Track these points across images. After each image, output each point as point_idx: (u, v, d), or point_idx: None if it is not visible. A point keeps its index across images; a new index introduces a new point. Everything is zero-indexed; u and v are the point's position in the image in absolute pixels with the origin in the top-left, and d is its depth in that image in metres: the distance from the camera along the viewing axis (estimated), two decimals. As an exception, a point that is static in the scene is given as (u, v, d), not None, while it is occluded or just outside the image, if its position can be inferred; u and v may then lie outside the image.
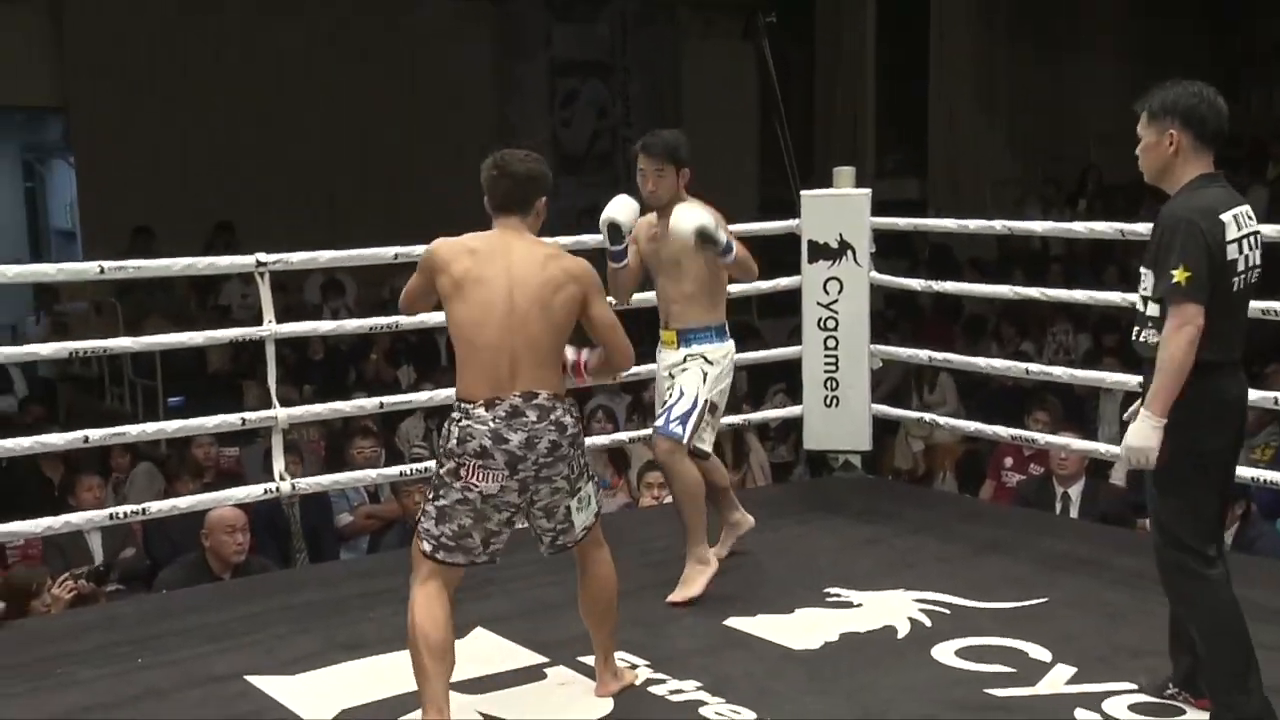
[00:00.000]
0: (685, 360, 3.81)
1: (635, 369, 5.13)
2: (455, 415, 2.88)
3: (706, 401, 3.78)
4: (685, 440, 3.73)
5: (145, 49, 10.09)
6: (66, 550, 5.16)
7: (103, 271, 4.05)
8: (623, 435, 5.69)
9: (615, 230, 3.66)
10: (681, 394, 3.76)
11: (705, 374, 3.78)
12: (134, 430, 4.20)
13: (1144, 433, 2.74)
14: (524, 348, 2.87)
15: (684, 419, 3.72)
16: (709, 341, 3.82)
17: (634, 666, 3.33)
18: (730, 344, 3.88)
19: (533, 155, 3.03)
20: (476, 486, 2.84)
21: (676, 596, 3.73)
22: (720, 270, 3.83)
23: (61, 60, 9.97)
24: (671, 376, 3.83)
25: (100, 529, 5.18)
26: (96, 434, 4.03)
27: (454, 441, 2.85)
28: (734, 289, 5.19)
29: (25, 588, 4.24)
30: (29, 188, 11.82)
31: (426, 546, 2.89)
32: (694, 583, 3.76)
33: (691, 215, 3.65)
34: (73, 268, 4.43)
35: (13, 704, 3.21)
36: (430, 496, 2.92)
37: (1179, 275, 2.68)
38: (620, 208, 3.64)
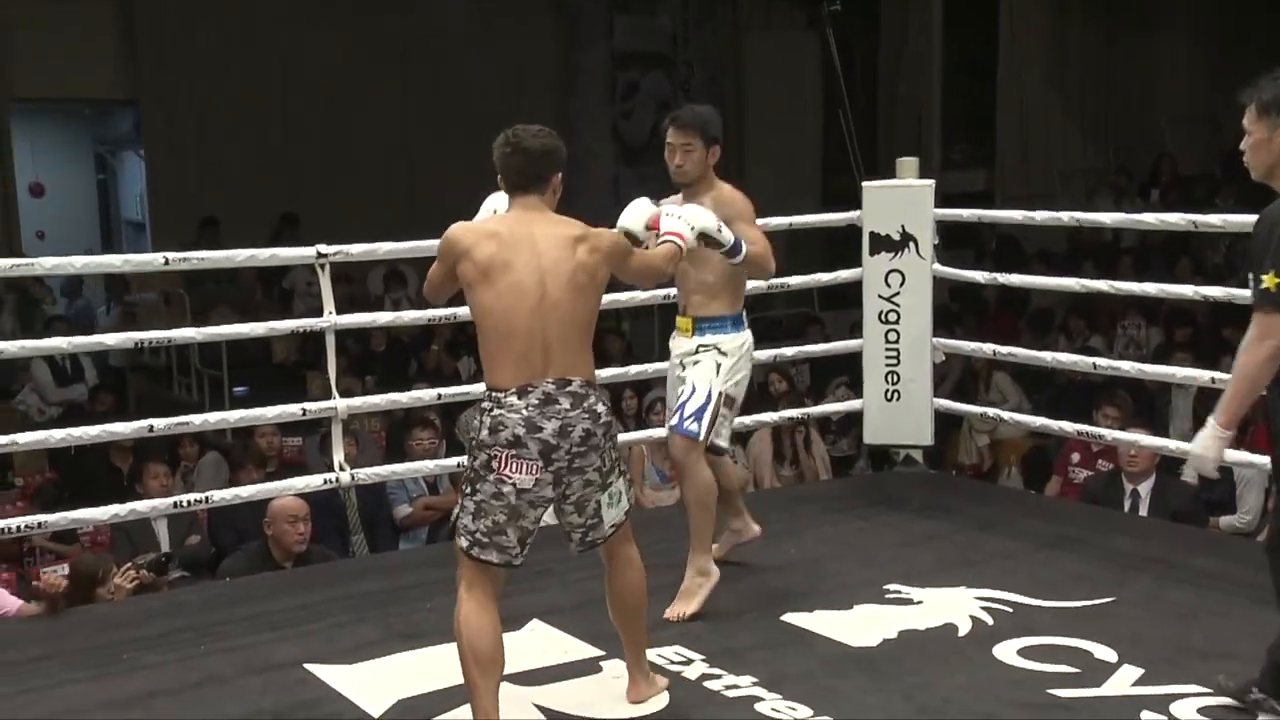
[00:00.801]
0: (698, 351, 3.66)
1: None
2: (485, 405, 2.81)
3: (721, 394, 3.62)
4: (702, 437, 3.58)
5: (214, 43, 10.27)
6: (134, 537, 5.27)
7: (167, 263, 4.11)
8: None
9: (630, 238, 3.33)
10: (694, 389, 3.61)
11: (718, 365, 3.64)
12: (197, 419, 4.27)
13: (1205, 441, 2.65)
14: (556, 334, 2.80)
15: (698, 414, 3.58)
16: (724, 332, 3.67)
17: (689, 661, 3.31)
18: (746, 334, 3.72)
19: (546, 130, 2.93)
20: (510, 479, 2.75)
21: (673, 612, 3.56)
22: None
23: (133, 54, 10.18)
24: (683, 366, 3.69)
25: (166, 517, 5.28)
26: (161, 423, 4.10)
27: (485, 432, 2.78)
28: (795, 280, 5.22)
29: (92, 574, 4.33)
30: (100, 180, 12.09)
31: (464, 542, 2.82)
32: (694, 596, 3.60)
33: (697, 215, 3.40)
34: (138, 259, 4.52)
35: (79, 688, 3.28)
36: (466, 491, 2.83)
37: (1269, 281, 2.54)
38: (633, 215, 3.38)
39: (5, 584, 4.88)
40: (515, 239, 2.84)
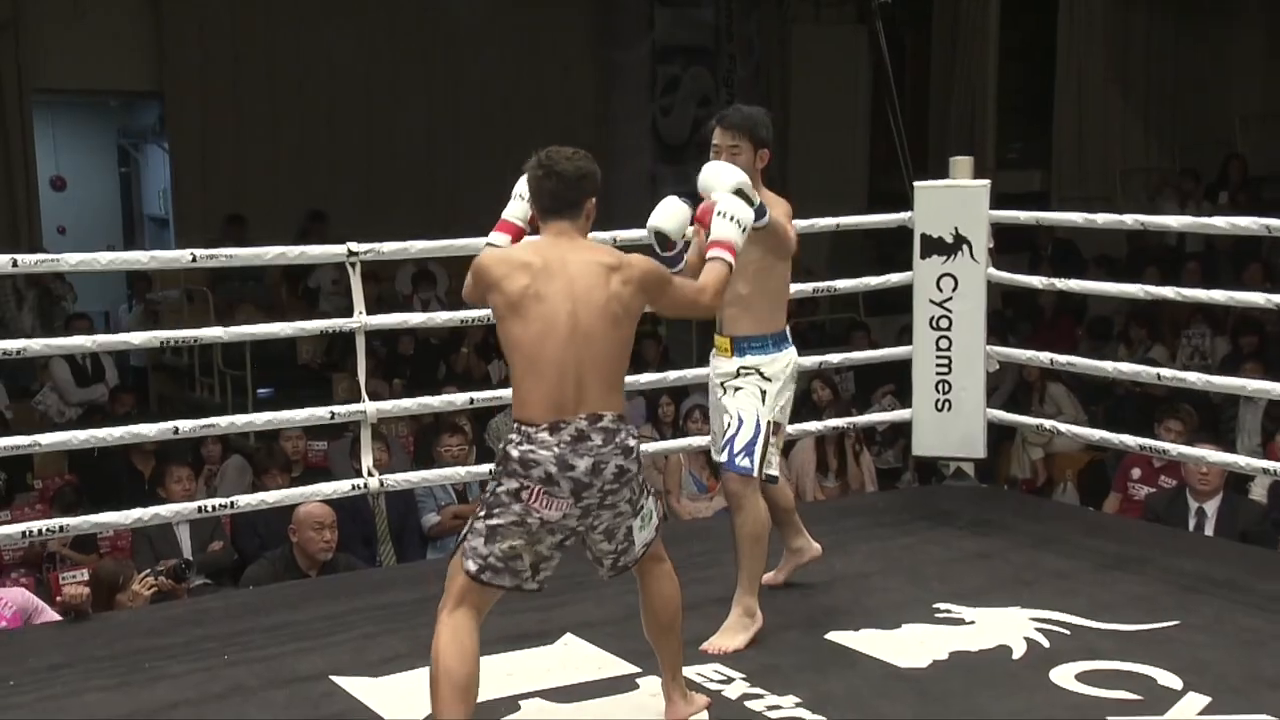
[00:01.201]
0: (739, 374, 3.55)
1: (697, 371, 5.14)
2: (514, 438, 2.81)
3: (769, 424, 3.53)
4: (756, 472, 3.49)
5: (241, 35, 10.37)
6: (156, 543, 5.34)
7: (195, 260, 4.17)
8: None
9: (661, 238, 3.31)
10: (741, 421, 3.51)
11: (763, 393, 3.52)
12: (223, 422, 4.32)
13: None
14: (589, 368, 2.80)
15: (749, 450, 3.49)
16: (765, 352, 3.54)
17: (730, 679, 3.31)
18: (790, 353, 3.60)
19: (581, 153, 2.92)
20: (538, 513, 2.77)
21: (712, 645, 3.46)
22: (783, 272, 3.59)
23: (158, 46, 10.28)
24: (724, 389, 3.58)
25: (189, 522, 5.34)
26: (187, 425, 4.14)
27: (516, 464, 2.78)
28: (842, 284, 5.21)
29: (112, 581, 4.39)
30: (123, 173, 12.22)
31: (472, 566, 2.80)
32: (735, 635, 3.49)
33: (722, 171, 3.31)
34: (166, 255, 4.57)
35: (101, 696, 3.32)
36: (482, 514, 2.82)
37: None
38: (665, 214, 3.29)
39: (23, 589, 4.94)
40: (548, 270, 2.83)
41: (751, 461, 3.49)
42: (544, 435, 2.78)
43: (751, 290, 3.53)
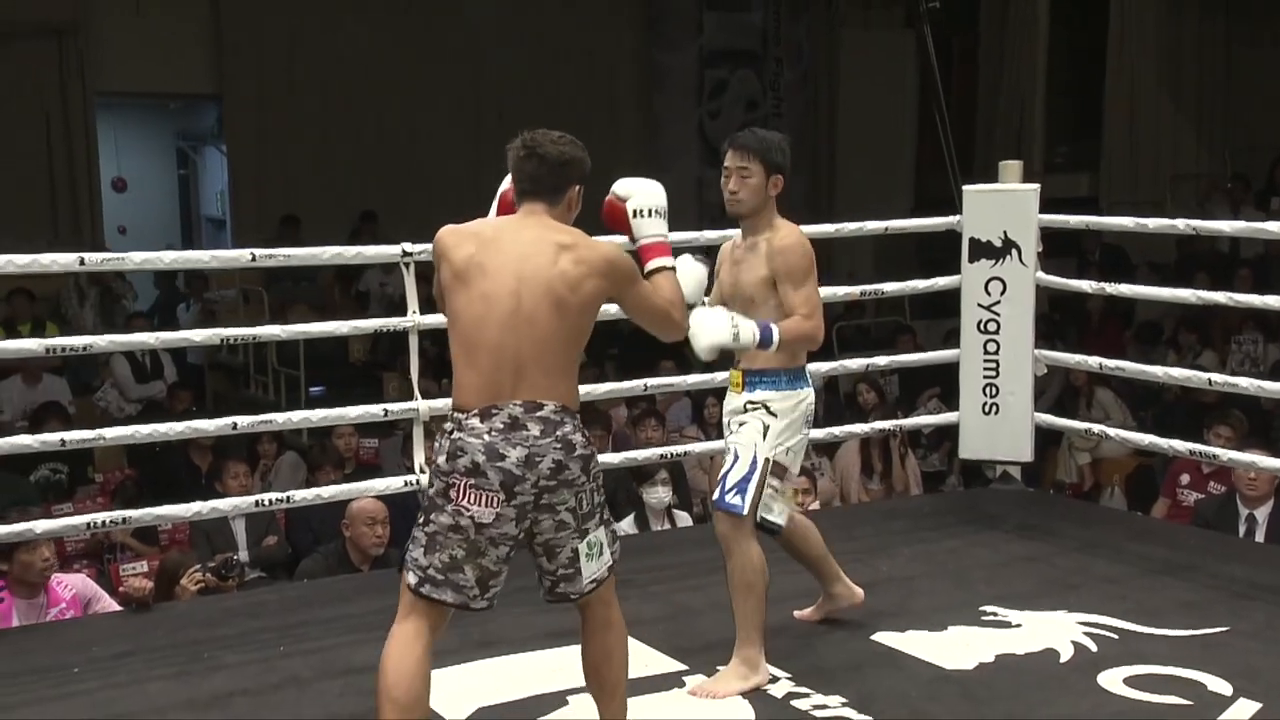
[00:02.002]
0: (745, 409, 3.29)
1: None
2: (447, 427, 2.60)
3: (767, 461, 3.25)
4: (746, 511, 3.22)
5: (296, 39, 10.50)
6: (212, 536, 5.41)
7: (254, 259, 4.22)
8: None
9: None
10: (737, 457, 3.26)
11: (766, 428, 3.25)
12: (280, 418, 4.36)
13: None
14: (530, 352, 2.57)
15: (741, 487, 3.22)
16: (776, 388, 3.27)
17: (775, 679, 3.31)
18: (805, 393, 3.31)
19: (568, 138, 2.73)
20: (468, 511, 2.54)
21: (700, 690, 3.24)
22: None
23: (217, 49, 10.43)
24: (729, 428, 3.35)
25: (244, 516, 5.40)
26: (245, 420, 4.20)
27: (444, 457, 2.57)
28: (889, 287, 5.18)
29: (175, 572, 4.47)
30: (182, 175, 12.39)
31: (412, 579, 2.60)
32: (727, 683, 3.23)
33: (707, 330, 3.07)
34: (226, 255, 4.63)
35: (161, 685, 3.37)
36: (420, 521, 2.62)
37: None
38: (683, 279, 2.94)
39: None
40: (499, 242, 2.64)
41: (742, 500, 3.22)
42: (474, 422, 2.56)
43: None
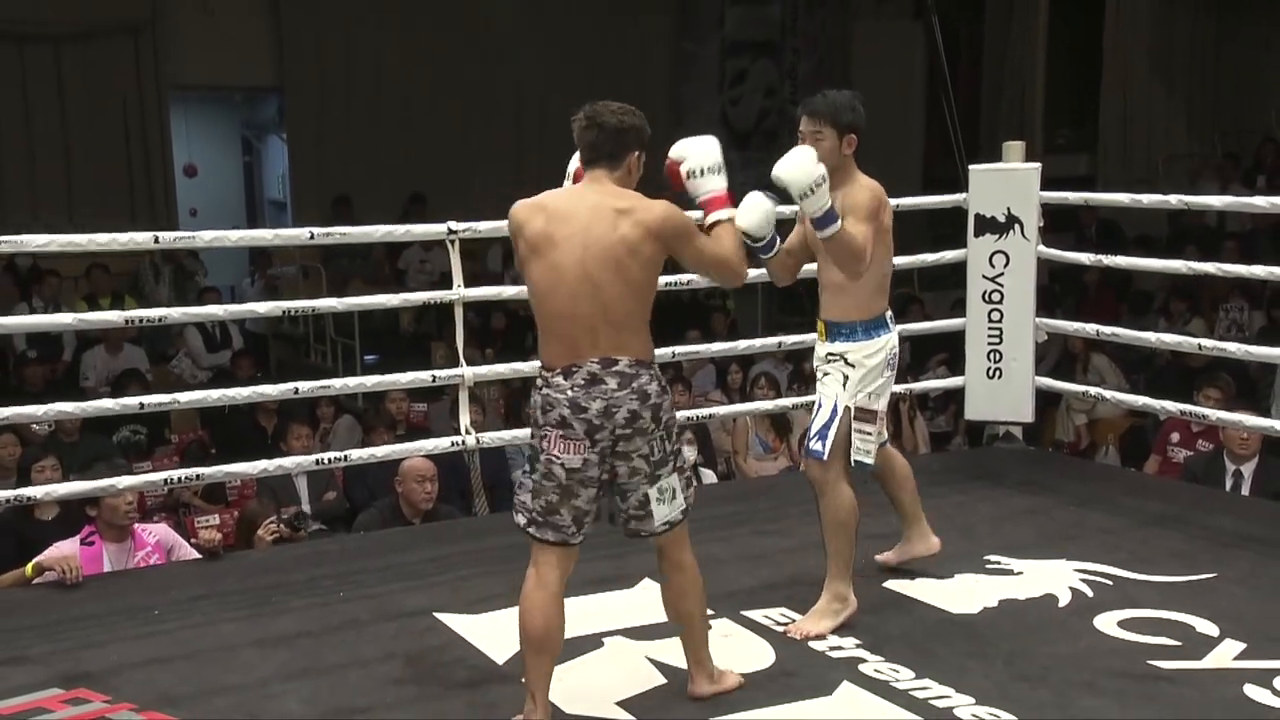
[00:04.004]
0: (827, 359, 3.30)
1: (798, 337, 5.10)
2: (538, 383, 2.69)
3: (848, 409, 3.25)
4: (826, 456, 3.23)
5: (351, 33, 10.48)
6: (278, 492, 5.45)
7: (312, 237, 4.23)
8: (785, 401, 5.64)
9: (747, 239, 3.06)
10: (820, 405, 3.28)
11: (845, 378, 3.25)
12: (337, 383, 4.38)
13: None
14: (599, 314, 2.62)
15: (822, 434, 3.24)
16: (853, 339, 3.25)
17: (794, 621, 3.30)
18: (883, 339, 3.27)
19: (627, 108, 2.71)
20: (558, 459, 2.63)
21: (797, 630, 3.24)
22: (879, 256, 3.22)
23: (278, 45, 10.43)
24: (819, 375, 3.36)
25: (306, 473, 5.44)
26: (306, 386, 4.22)
27: (538, 411, 2.67)
28: (900, 260, 5.08)
29: (254, 521, 4.51)
30: (246, 162, 12.42)
31: (521, 520, 2.72)
32: (820, 619, 3.25)
33: (790, 164, 3.02)
34: (287, 233, 4.63)
35: (233, 626, 3.42)
36: (527, 469, 2.75)
37: None
38: (748, 213, 3.05)
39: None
40: (564, 214, 2.66)
41: (823, 445, 3.23)
42: (559, 380, 2.64)
43: (844, 278, 3.22)
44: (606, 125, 2.69)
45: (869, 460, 3.33)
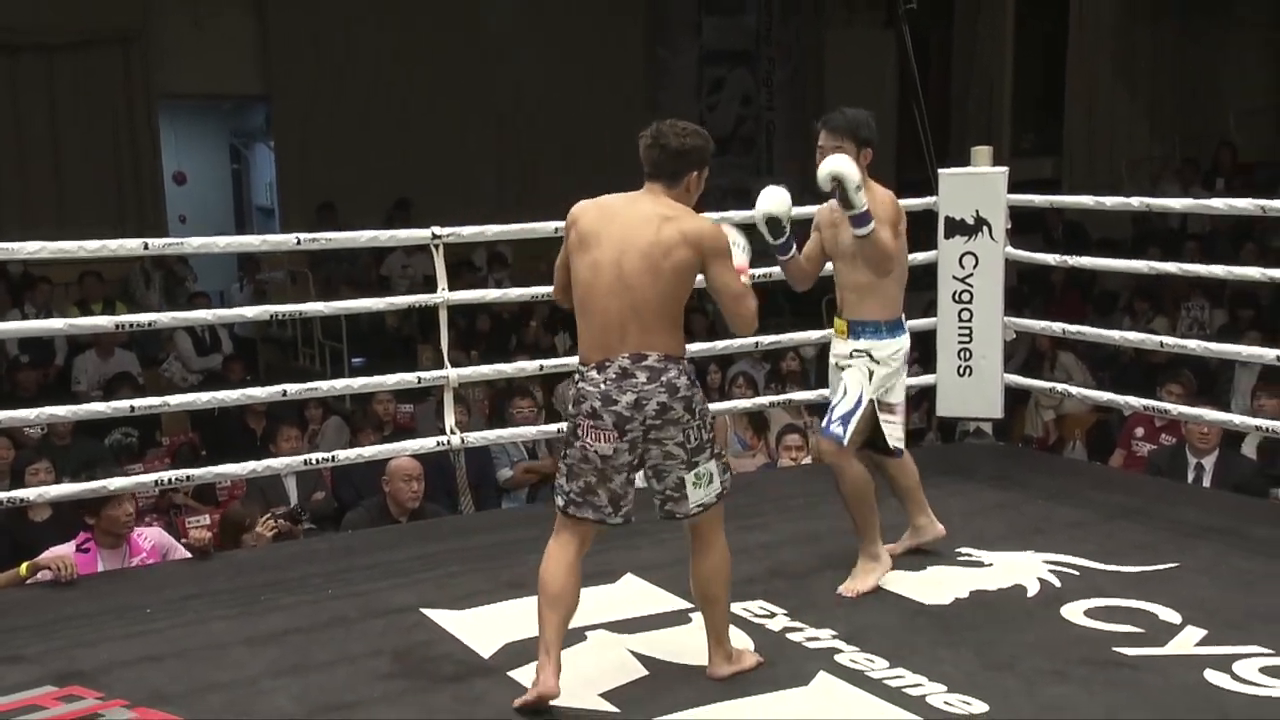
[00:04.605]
0: (851, 355, 3.45)
1: (775, 337, 5.13)
2: (575, 378, 2.81)
3: (873, 402, 3.42)
4: (846, 442, 3.40)
5: (337, 44, 10.45)
6: (267, 492, 5.42)
7: (299, 243, 4.21)
8: (763, 400, 5.66)
9: (774, 224, 3.26)
10: (845, 393, 3.43)
11: (871, 373, 3.42)
12: (325, 385, 4.36)
13: None
14: (631, 311, 2.71)
15: (845, 420, 3.40)
16: (878, 338, 3.43)
17: (773, 614, 3.31)
18: (902, 340, 3.46)
19: (691, 129, 2.81)
20: (591, 447, 2.75)
21: (846, 588, 3.43)
22: (901, 261, 3.44)
23: (265, 55, 10.40)
24: (839, 369, 3.50)
25: (295, 474, 5.42)
26: (294, 388, 4.20)
27: (572, 403, 2.80)
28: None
29: (239, 522, 4.48)
30: (234, 169, 12.36)
31: (559, 501, 2.83)
32: (865, 578, 3.46)
33: (836, 163, 3.23)
34: (274, 239, 4.63)
35: (224, 624, 3.40)
36: (562, 454, 2.86)
37: None
38: (771, 201, 3.24)
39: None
40: (613, 214, 2.77)
41: (844, 430, 3.40)
42: (592, 374, 2.75)
43: (867, 278, 3.41)
44: (669, 147, 2.78)
45: (902, 445, 3.54)
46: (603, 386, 2.72)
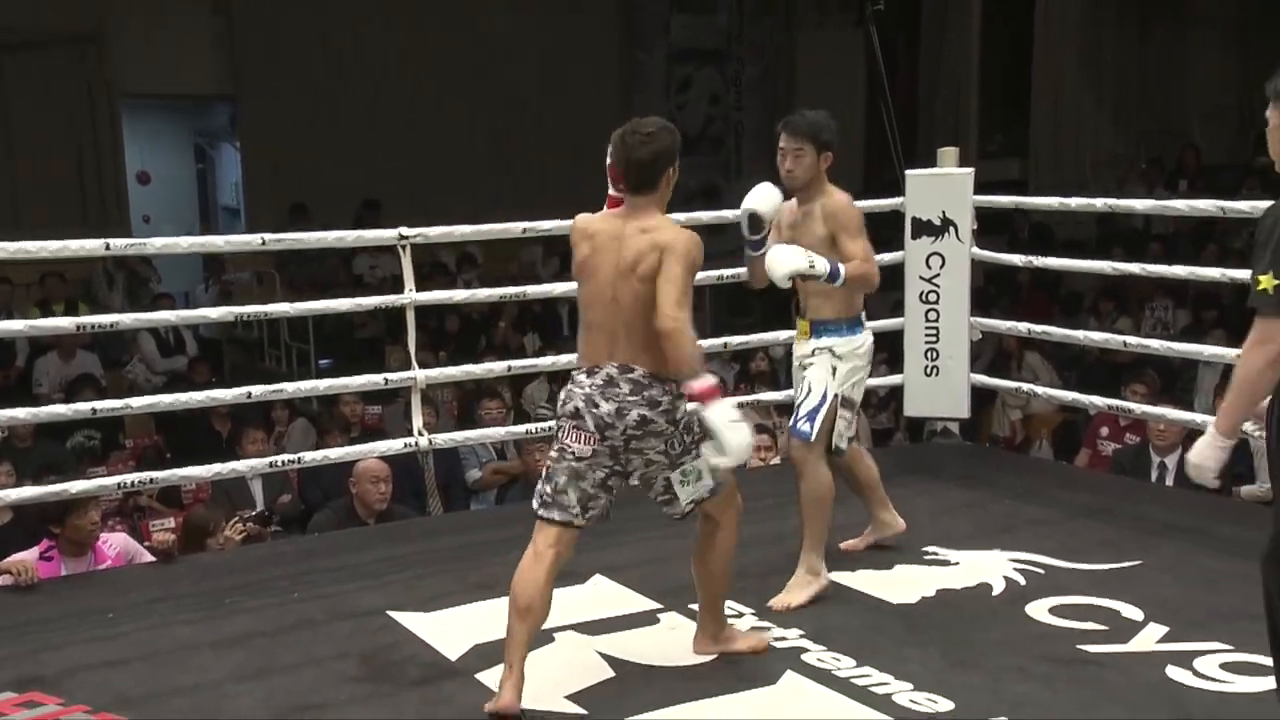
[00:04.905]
0: (814, 354, 3.50)
1: (744, 338, 5.16)
2: (569, 383, 2.92)
3: (836, 396, 3.46)
4: (814, 438, 3.43)
5: (303, 41, 10.39)
6: (232, 495, 5.39)
7: (264, 243, 4.19)
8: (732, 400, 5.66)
9: (755, 220, 3.32)
10: (809, 390, 3.47)
11: (834, 369, 3.47)
12: (290, 387, 4.34)
13: (1204, 451, 2.43)
14: (621, 326, 2.83)
15: (811, 416, 3.43)
16: (839, 335, 3.49)
17: (740, 615, 3.33)
18: (865, 336, 3.54)
19: (655, 130, 2.84)
20: (569, 447, 2.82)
21: (777, 603, 3.39)
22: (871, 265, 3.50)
23: (230, 53, 10.32)
24: (802, 369, 3.54)
25: (261, 476, 5.38)
26: (259, 390, 4.17)
27: (559, 404, 2.90)
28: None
29: (203, 526, 4.45)
30: (200, 169, 12.27)
31: (535, 503, 2.90)
32: (799, 591, 3.42)
33: (784, 259, 3.30)
34: (239, 239, 4.59)
35: (190, 628, 3.38)
36: (550, 458, 2.92)
37: (1265, 282, 2.23)
38: (761, 197, 3.30)
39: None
40: (606, 242, 2.86)
41: (811, 427, 3.42)
42: (581, 378, 2.86)
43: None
44: (642, 162, 2.85)
45: (845, 445, 3.54)
46: (588, 390, 2.83)
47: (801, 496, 3.46)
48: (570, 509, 2.84)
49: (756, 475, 5.16)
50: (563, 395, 2.89)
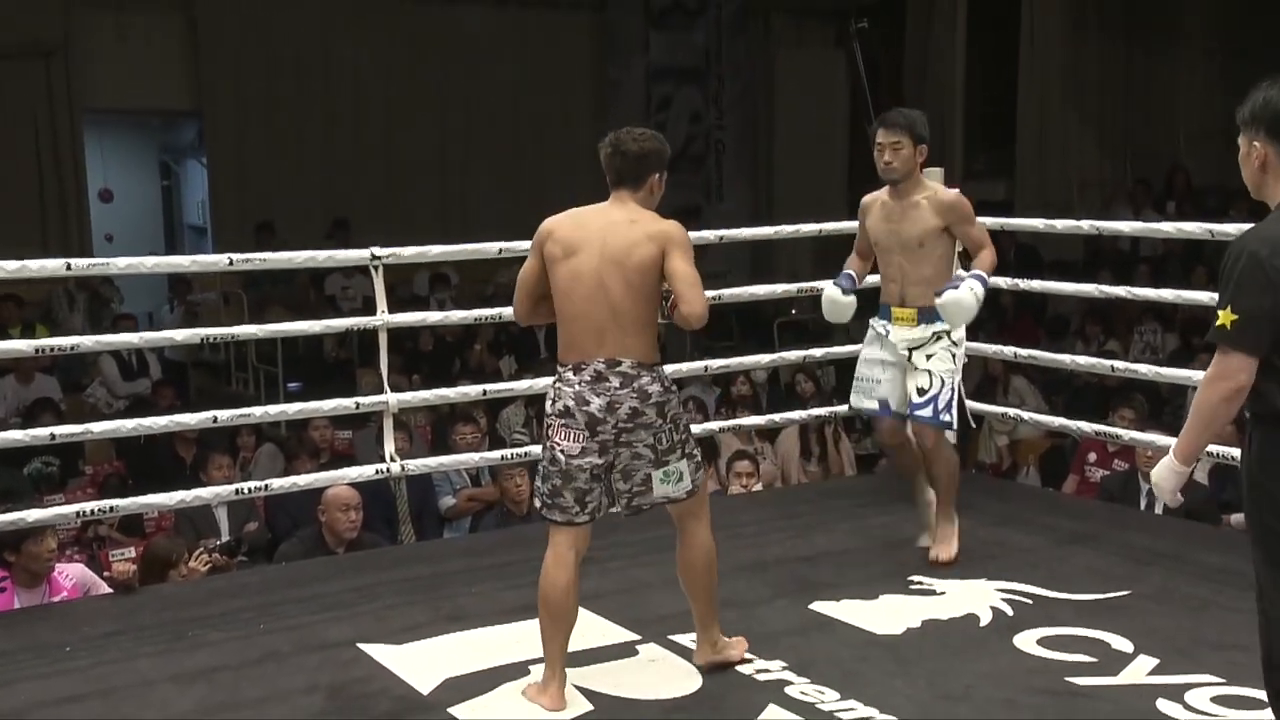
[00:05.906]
0: (934, 338, 3.79)
1: (724, 361, 5.17)
2: (554, 379, 2.96)
3: (959, 380, 3.84)
4: (955, 425, 3.83)
5: (271, 57, 10.39)
6: (197, 522, 5.34)
7: (231, 263, 4.16)
8: (713, 425, 5.68)
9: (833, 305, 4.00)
10: (941, 383, 3.78)
11: (954, 355, 3.80)
12: (258, 412, 4.32)
13: (1162, 472, 2.48)
14: (607, 317, 2.87)
15: (949, 407, 3.78)
16: (943, 321, 3.79)
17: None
18: None
19: (648, 134, 3.00)
20: (559, 445, 2.89)
21: (942, 555, 3.87)
22: (954, 255, 3.87)
23: (196, 68, 10.31)
24: (913, 353, 3.82)
25: (227, 504, 5.34)
26: (225, 414, 4.15)
27: (549, 403, 2.95)
28: (825, 285, 5.18)
29: (165, 558, 4.40)
30: (165, 186, 12.23)
31: (537, 503, 3.00)
32: (952, 541, 3.91)
33: (969, 305, 3.69)
34: (205, 259, 4.57)
35: (149, 662, 3.34)
36: (543, 457, 3.00)
37: (1224, 317, 2.24)
38: (835, 309, 3.98)
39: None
40: (587, 223, 2.94)
41: (951, 417, 3.79)
42: (569, 375, 2.91)
43: (934, 273, 3.80)
44: (630, 153, 2.96)
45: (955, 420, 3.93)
46: (577, 387, 2.88)
47: (937, 471, 3.88)
48: (569, 509, 2.93)
49: (737, 502, 5.18)
50: (550, 393, 2.94)
